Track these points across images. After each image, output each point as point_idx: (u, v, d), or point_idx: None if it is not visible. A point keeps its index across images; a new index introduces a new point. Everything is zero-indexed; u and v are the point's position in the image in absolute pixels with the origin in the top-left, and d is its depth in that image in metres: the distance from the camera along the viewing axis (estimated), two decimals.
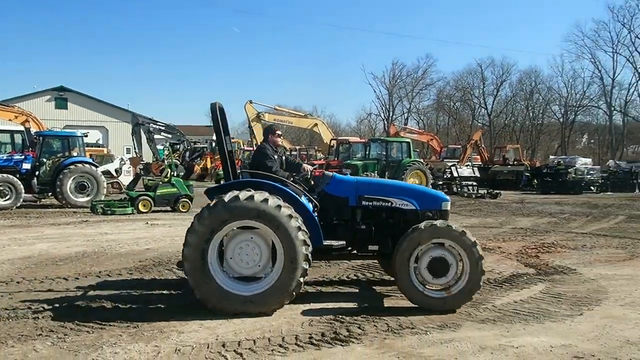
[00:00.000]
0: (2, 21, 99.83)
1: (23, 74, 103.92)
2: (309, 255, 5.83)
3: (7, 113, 23.28)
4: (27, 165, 17.78)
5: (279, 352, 4.77)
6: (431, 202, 6.58)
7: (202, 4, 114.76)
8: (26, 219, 14.54)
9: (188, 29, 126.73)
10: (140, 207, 16.02)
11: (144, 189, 17.50)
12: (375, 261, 7.95)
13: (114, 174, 24.20)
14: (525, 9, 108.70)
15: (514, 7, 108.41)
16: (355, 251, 6.69)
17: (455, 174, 27.21)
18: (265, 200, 5.71)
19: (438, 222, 6.04)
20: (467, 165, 30.77)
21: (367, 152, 26.26)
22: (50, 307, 6.00)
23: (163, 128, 32.94)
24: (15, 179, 16.94)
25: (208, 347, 4.84)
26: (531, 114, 69.32)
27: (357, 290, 7.08)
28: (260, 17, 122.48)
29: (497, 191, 25.27)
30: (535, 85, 68.29)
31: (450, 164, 29.98)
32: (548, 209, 19.04)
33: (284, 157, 7.21)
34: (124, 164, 25.81)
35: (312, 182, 7.10)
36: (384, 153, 24.99)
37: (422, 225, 6.02)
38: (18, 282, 7.25)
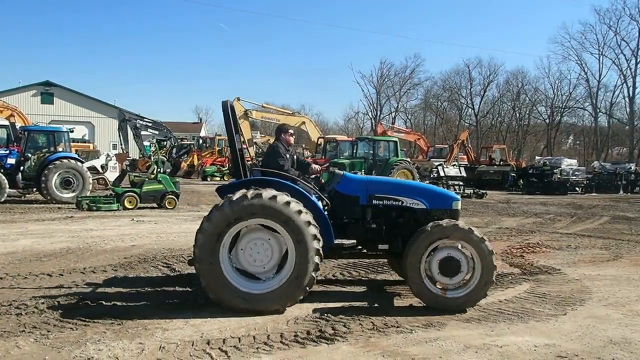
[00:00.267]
0: None
1: (8, 68, 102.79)
2: (320, 250, 5.82)
3: None
4: (11, 160, 17.59)
5: (264, 350, 4.75)
6: (441, 201, 6.57)
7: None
8: (10, 215, 14.38)
9: (176, 24, 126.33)
10: (126, 204, 15.94)
11: (129, 185, 17.44)
12: (360, 260, 7.97)
13: (100, 169, 24.02)
14: (513, 10, 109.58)
15: (501, 8, 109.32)
16: (365, 250, 6.69)
17: (442, 174, 27.31)
18: (274, 197, 5.69)
19: (444, 222, 6.05)
20: (453, 165, 30.88)
21: (354, 151, 26.22)
22: (34, 303, 5.94)
23: (150, 124, 32.76)
24: None
25: (193, 345, 4.82)
26: (518, 114, 70.01)
27: (343, 289, 7.08)
28: (245, 14, 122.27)
29: (484, 191, 25.43)
30: (522, 86, 69.13)
31: (437, 163, 30.09)
32: (533, 209, 19.20)
33: (295, 157, 7.20)
34: (110, 159, 25.57)
35: (322, 180, 7.11)
36: (371, 152, 24.98)
37: (428, 226, 6.04)
38: (1, 278, 7.17)
